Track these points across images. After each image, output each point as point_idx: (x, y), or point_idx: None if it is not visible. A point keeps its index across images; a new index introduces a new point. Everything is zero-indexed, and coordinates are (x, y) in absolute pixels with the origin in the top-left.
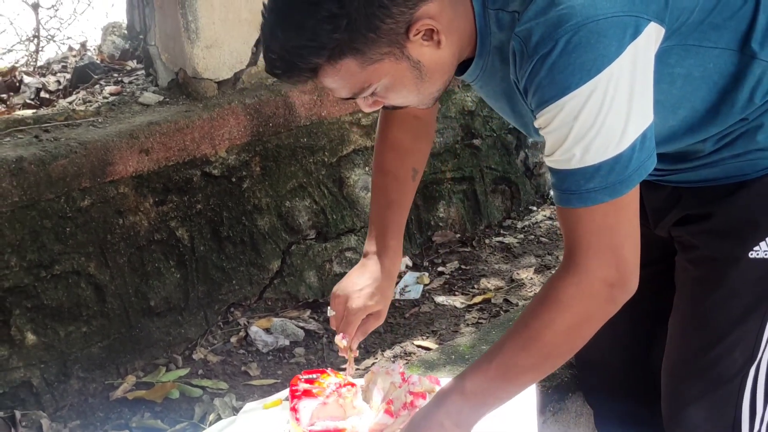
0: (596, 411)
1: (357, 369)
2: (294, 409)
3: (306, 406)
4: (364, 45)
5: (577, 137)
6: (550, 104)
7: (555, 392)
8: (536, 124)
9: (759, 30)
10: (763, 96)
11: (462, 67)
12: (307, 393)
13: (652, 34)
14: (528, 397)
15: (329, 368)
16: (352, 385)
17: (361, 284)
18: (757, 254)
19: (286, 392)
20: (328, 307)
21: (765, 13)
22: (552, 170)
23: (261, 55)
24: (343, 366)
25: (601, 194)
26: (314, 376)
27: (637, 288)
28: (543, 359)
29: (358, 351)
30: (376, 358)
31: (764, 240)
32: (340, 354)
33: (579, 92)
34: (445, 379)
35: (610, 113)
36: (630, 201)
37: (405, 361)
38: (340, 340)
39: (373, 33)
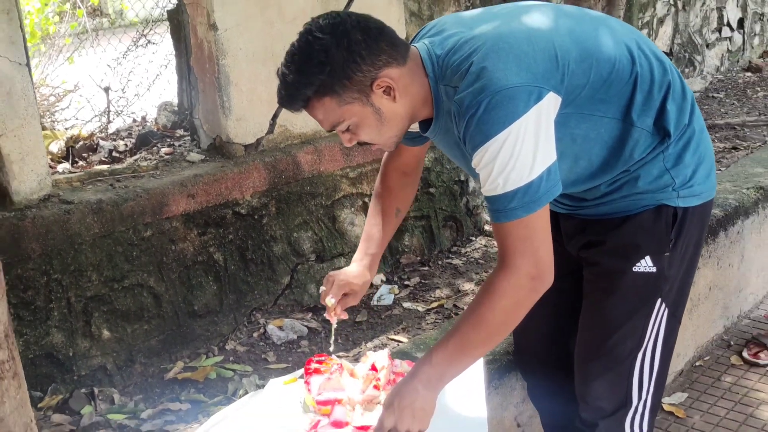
0: (528, 384)
1: (347, 357)
2: (307, 383)
3: (316, 381)
4: (341, 88)
5: (498, 171)
6: (479, 148)
7: (497, 372)
8: (473, 164)
9: (636, 105)
10: (639, 153)
11: (425, 127)
12: (317, 371)
13: (552, 100)
14: (477, 375)
15: (333, 355)
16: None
17: (347, 270)
18: (639, 268)
19: (299, 372)
20: (321, 287)
21: (641, 92)
22: (486, 197)
23: (276, 126)
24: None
25: (519, 211)
26: (323, 358)
27: (559, 292)
28: (488, 335)
29: (344, 314)
30: (361, 348)
31: (644, 258)
32: (325, 315)
33: (497, 138)
34: None
35: (521, 153)
36: (541, 215)
37: (390, 349)
38: (329, 299)
39: (347, 80)
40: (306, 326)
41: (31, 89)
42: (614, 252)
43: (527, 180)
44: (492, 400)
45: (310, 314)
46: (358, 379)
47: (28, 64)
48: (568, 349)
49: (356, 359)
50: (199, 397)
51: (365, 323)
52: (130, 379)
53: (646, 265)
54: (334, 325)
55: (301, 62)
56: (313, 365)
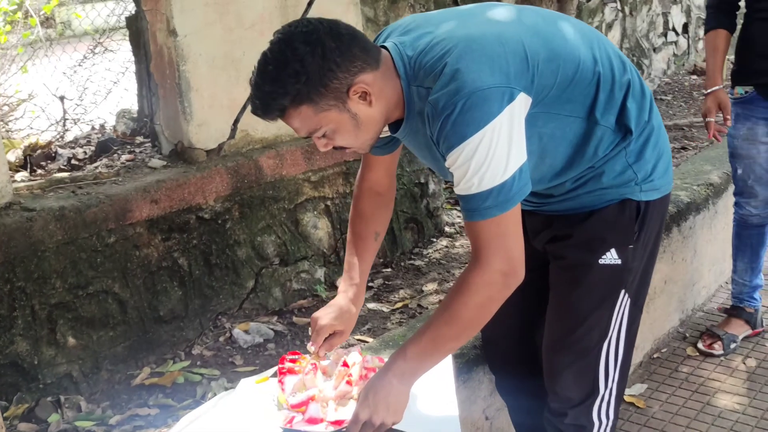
0: (497, 377)
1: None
2: (281, 381)
3: (290, 381)
4: (317, 96)
5: (474, 171)
6: (454, 149)
7: (464, 366)
8: (446, 164)
9: (600, 104)
10: (603, 150)
11: (394, 128)
12: (290, 371)
13: (523, 100)
14: (446, 369)
15: (307, 354)
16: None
17: (330, 310)
18: (605, 261)
19: (271, 371)
20: (309, 328)
21: (603, 92)
22: (460, 196)
23: (237, 130)
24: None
25: (494, 210)
26: (296, 357)
27: (525, 287)
28: (461, 330)
29: (325, 357)
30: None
31: (609, 251)
32: (311, 360)
33: (473, 139)
34: None
35: (495, 154)
36: (514, 214)
37: (360, 346)
38: (309, 347)
39: (323, 88)
40: (272, 329)
41: None
42: (580, 245)
43: (501, 180)
44: (460, 393)
45: (275, 317)
46: (330, 376)
47: None
48: (535, 342)
49: (327, 357)
50: (167, 402)
51: None
52: (96, 386)
53: (611, 257)
54: (323, 360)
55: (276, 72)
56: (287, 364)
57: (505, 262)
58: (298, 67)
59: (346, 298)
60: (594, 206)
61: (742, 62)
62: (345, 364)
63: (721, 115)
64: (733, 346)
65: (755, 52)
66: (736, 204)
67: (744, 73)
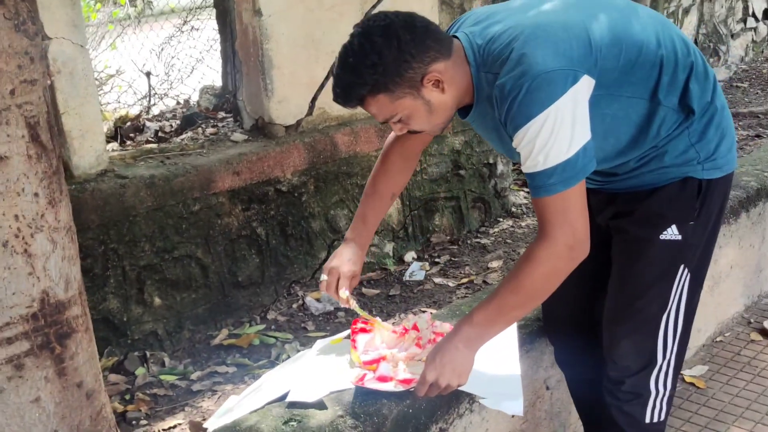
0: (555, 348)
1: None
2: (353, 341)
3: (362, 339)
4: (393, 85)
5: (539, 148)
6: (520, 128)
7: (528, 336)
8: (513, 144)
9: (663, 85)
10: (666, 130)
11: (463, 113)
12: (363, 330)
13: (586, 82)
14: (511, 338)
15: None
16: (395, 331)
17: (347, 258)
18: (666, 236)
19: (345, 333)
20: (322, 275)
21: (666, 74)
22: (527, 174)
23: (315, 108)
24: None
25: (558, 186)
26: (370, 320)
27: (586, 261)
28: (525, 300)
29: (354, 301)
30: (395, 319)
31: (670, 227)
32: (342, 304)
33: (538, 118)
34: None
35: (560, 132)
36: (578, 190)
37: (430, 312)
38: (342, 292)
39: (399, 78)
40: None
41: (91, 70)
42: (643, 221)
43: (565, 157)
44: (523, 363)
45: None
46: (400, 338)
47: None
48: (594, 315)
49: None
50: (244, 361)
51: (398, 297)
52: (179, 344)
53: (672, 233)
54: (357, 308)
55: (356, 63)
56: (360, 325)
57: (570, 235)
58: (376, 59)
59: (357, 246)
60: (656, 184)
61: None
62: (415, 327)
63: None
64: None
65: None
66: None
67: None
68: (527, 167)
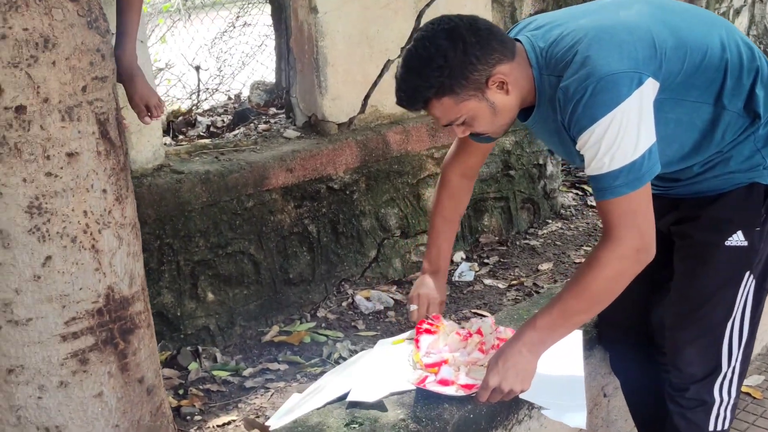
0: (611, 354)
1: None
2: (417, 341)
3: (425, 340)
4: (459, 88)
5: (604, 150)
6: (585, 130)
7: (587, 343)
8: (577, 147)
9: (727, 90)
10: (731, 135)
11: (523, 116)
12: (427, 331)
13: (651, 85)
14: (576, 344)
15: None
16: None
17: (432, 287)
18: (732, 242)
19: (407, 334)
20: (410, 305)
21: (731, 79)
22: (591, 177)
23: (368, 105)
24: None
25: (625, 188)
26: (435, 321)
27: (645, 267)
28: (590, 304)
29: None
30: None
31: (736, 232)
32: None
33: (603, 120)
34: None
35: (625, 134)
36: (644, 192)
37: (494, 317)
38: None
39: (464, 80)
40: (392, 298)
41: (150, 64)
42: (708, 226)
43: (631, 159)
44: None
45: (395, 287)
46: (464, 342)
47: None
48: (651, 321)
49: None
50: (295, 359)
51: (448, 297)
52: (230, 339)
53: (738, 239)
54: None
55: (421, 66)
56: (425, 326)
57: (638, 237)
58: (442, 61)
59: (436, 277)
60: (721, 189)
61: None
62: (479, 332)
63: None
64: None
65: None
66: None
67: None
68: (592, 169)
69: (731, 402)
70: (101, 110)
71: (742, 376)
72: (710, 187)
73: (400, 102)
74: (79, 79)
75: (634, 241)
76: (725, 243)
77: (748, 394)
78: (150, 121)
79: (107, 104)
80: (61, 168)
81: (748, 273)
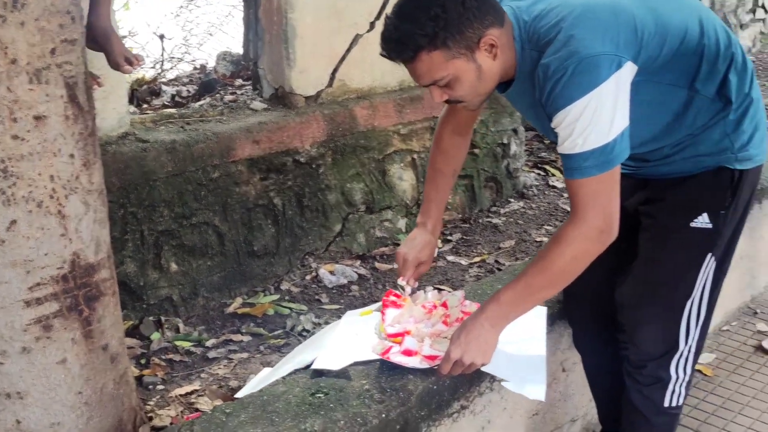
0: (574, 331)
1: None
2: (382, 312)
3: (390, 312)
4: (452, 42)
5: (579, 131)
6: (561, 110)
7: (548, 318)
8: (552, 124)
9: (702, 75)
10: (703, 119)
11: (503, 88)
12: (393, 303)
13: (629, 69)
14: (539, 322)
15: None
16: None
17: (413, 244)
18: (697, 224)
19: (375, 306)
20: (398, 279)
21: (707, 64)
22: (563, 155)
23: (335, 79)
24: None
25: (594, 170)
26: (400, 295)
27: (610, 246)
28: (553, 280)
29: (415, 285)
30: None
31: (701, 215)
32: (401, 292)
33: (580, 102)
34: None
35: (600, 117)
36: (613, 175)
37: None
38: (400, 282)
39: (459, 35)
40: (356, 272)
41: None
42: (674, 208)
43: (604, 141)
44: None
45: (359, 262)
46: (429, 314)
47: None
48: (613, 299)
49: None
50: (258, 331)
51: None
52: (193, 310)
53: (703, 221)
54: (413, 285)
55: (417, 13)
56: (391, 298)
57: (602, 218)
58: (439, 11)
59: (426, 230)
60: (689, 172)
61: None
62: (445, 305)
63: None
64: None
65: None
66: None
67: None
68: (564, 148)
69: (686, 379)
70: (70, 74)
71: (698, 354)
72: (679, 169)
73: (388, 50)
74: (48, 41)
75: (599, 221)
76: (690, 224)
77: (699, 371)
78: (131, 69)
79: (76, 68)
80: (28, 131)
81: (710, 255)
